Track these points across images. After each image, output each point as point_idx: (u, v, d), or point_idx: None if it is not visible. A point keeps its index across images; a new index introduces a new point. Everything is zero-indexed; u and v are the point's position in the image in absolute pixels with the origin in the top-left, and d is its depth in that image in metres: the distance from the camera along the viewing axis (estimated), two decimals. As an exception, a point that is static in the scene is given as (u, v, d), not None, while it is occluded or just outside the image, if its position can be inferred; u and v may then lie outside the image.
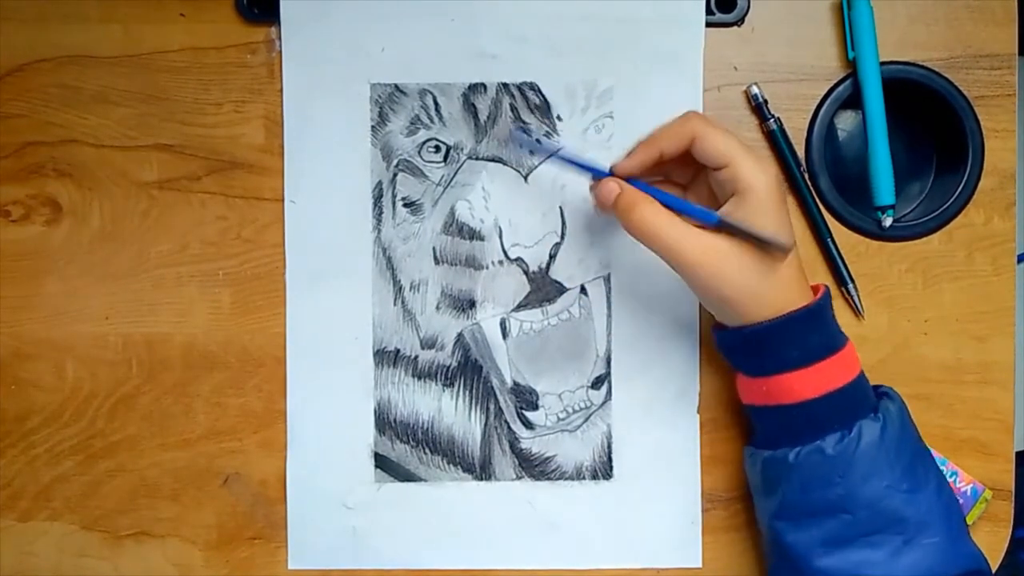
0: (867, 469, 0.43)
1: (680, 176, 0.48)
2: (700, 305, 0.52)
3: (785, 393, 0.44)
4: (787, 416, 0.45)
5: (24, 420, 0.53)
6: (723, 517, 0.53)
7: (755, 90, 0.51)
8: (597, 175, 0.47)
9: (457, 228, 0.52)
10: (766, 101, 0.51)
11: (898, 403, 0.46)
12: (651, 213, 0.44)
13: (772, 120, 0.51)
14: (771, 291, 0.43)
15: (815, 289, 0.46)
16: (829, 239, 0.51)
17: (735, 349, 0.47)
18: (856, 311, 0.52)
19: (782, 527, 0.45)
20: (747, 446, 0.49)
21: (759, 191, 0.43)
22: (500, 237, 0.52)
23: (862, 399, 0.45)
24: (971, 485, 0.51)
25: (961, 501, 0.50)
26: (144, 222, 0.52)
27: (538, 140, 0.50)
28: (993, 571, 0.52)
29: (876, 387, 0.47)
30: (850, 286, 0.51)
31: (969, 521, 0.51)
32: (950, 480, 0.50)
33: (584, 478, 0.52)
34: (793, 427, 0.45)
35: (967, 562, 0.44)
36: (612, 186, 0.45)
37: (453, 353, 0.52)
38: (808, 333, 0.44)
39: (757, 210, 0.43)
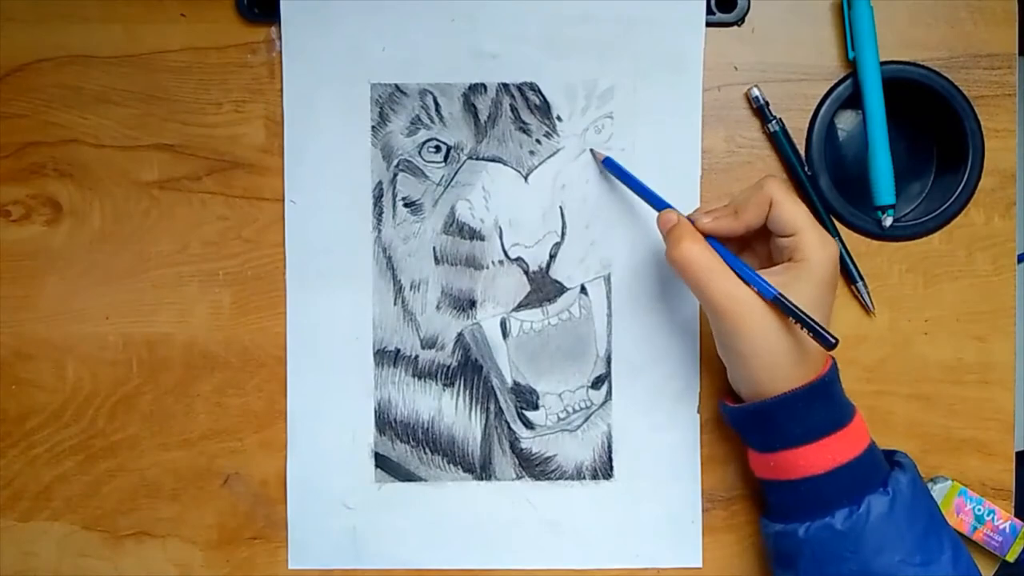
0: (878, 543, 0.43)
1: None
2: (700, 306, 0.52)
3: (792, 469, 0.44)
4: (795, 491, 0.45)
5: (24, 420, 0.53)
6: (723, 517, 0.53)
7: (756, 92, 0.51)
8: (659, 206, 0.47)
9: (457, 228, 0.52)
10: (767, 103, 0.51)
11: (910, 473, 0.46)
12: (695, 250, 0.44)
13: (774, 121, 0.51)
14: (786, 360, 0.44)
15: (826, 362, 0.46)
16: (836, 238, 0.51)
17: (743, 424, 0.47)
18: (866, 308, 0.52)
19: None
20: (762, 517, 0.49)
21: (814, 264, 0.43)
22: (500, 237, 0.52)
23: (872, 472, 0.45)
24: (1009, 522, 0.51)
25: (1000, 539, 0.50)
26: (144, 222, 0.52)
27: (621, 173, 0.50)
28: (992, 572, 0.52)
29: (890, 454, 0.48)
30: (859, 284, 0.51)
31: (1010, 558, 0.51)
32: (988, 518, 0.50)
33: (584, 478, 0.52)
34: (802, 502, 0.45)
35: None
36: (672, 216, 0.46)
37: (453, 353, 0.52)
38: (812, 409, 0.44)
39: (807, 281, 0.43)
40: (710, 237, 0.45)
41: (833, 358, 0.46)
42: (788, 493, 0.45)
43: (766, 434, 0.45)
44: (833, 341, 0.42)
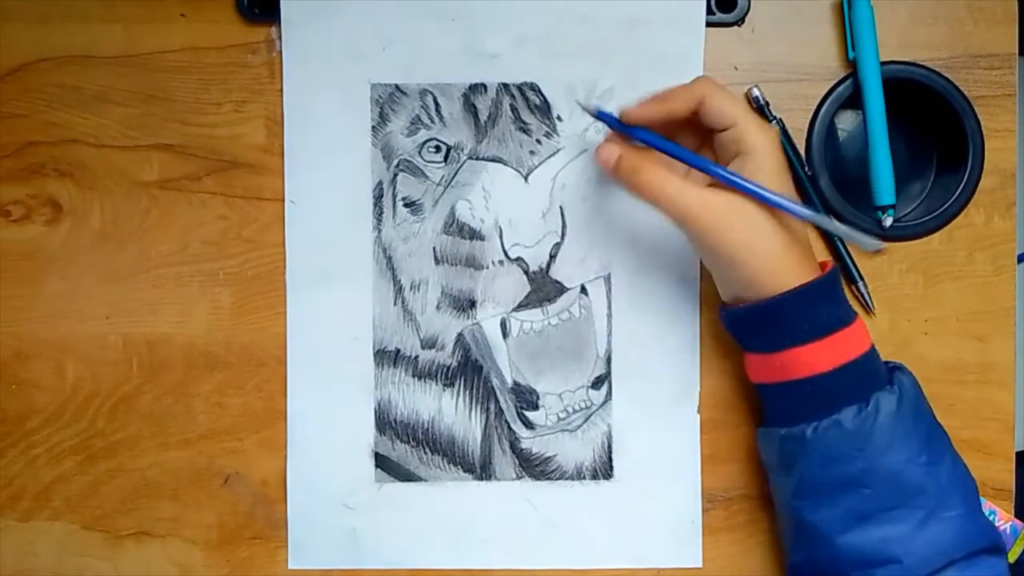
0: (886, 442, 0.43)
1: (688, 143, 0.47)
2: (700, 305, 0.52)
3: (798, 367, 0.44)
4: (801, 391, 0.44)
5: (25, 420, 0.53)
6: (723, 517, 0.53)
7: (756, 92, 0.51)
8: (616, 127, 0.46)
9: (457, 228, 0.52)
10: (767, 103, 0.51)
11: (911, 376, 0.46)
12: (654, 173, 0.44)
13: (774, 121, 0.51)
14: (785, 256, 0.43)
15: (822, 266, 0.45)
16: (837, 238, 0.51)
17: (744, 326, 0.46)
18: (867, 308, 0.52)
19: (802, 505, 0.45)
20: (760, 427, 0.48)
21: (763, 151, 0.43)
22: (500, 237, 0.52)
23: (876, 372, 0.45)
24: (1010, 523, 0.51)
25: None
26: (144, 222, 0.52)
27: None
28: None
29: (886, 362, 0.47)
30: (860, 284, 0.51)
31: (1011, 559, 0.51)
32: (989, 519, 0.50)
33: (584, 478, 0.52)
34: (808, 402, 0.44)
35: (987, 536, 0.44)
36: (612, 149, 0.45)
37: (453, 353, 0.52)
38: (821, 306, 0.43)
39: (761, 169, 0.43)
40: (685, 151, 0.45)
41: (833, 262, 0.45)
42: (793, 394, 0.45)
43: (773, 332, 0.44)
44: (882, 244, 0.41)
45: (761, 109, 0.51)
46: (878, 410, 0.43)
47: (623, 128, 0.47)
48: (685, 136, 0.47)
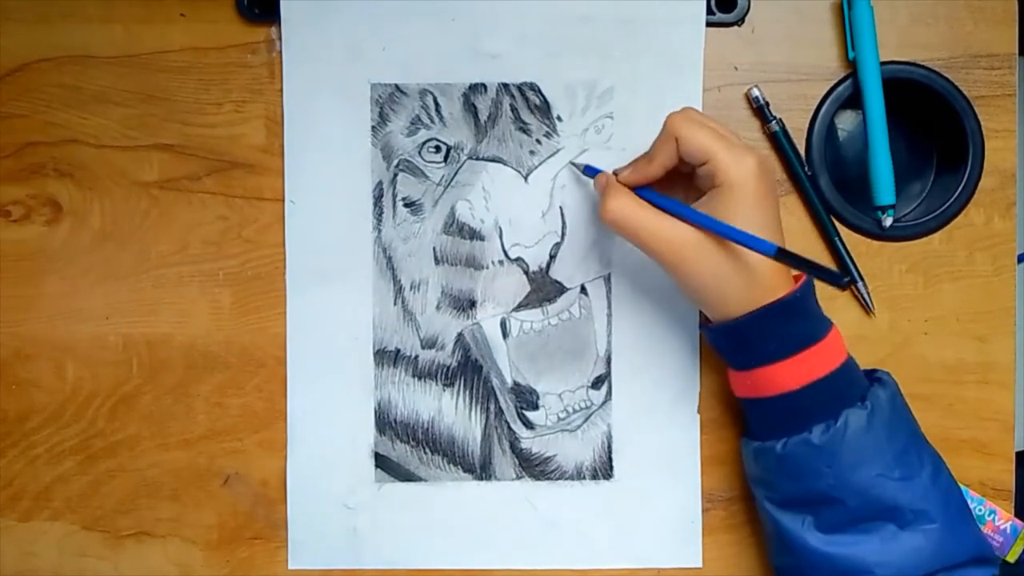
0: (855, 458, 0.43)
1: (685, 167, 0.46)
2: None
3: (769, 385, 0.44)
4: (773, 407, 0.45)
5: (25, 420, 0.53)
6: (723, 517, 0.53)
7: (756, 92, 0.51)
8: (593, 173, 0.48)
9: (457, 228, 0.52)
10: (767, 103, 0.51)
11: (891, 389, 0.46)
12: (621, 203, 0.44)
13: (774, 122, 0.51)
14: (748, 284, 0.43)
15: (796, 279, 0.45)
16: (837, 238, 0.51)
17: (719, 344, 0.47)
18: (867, 308, 0.52)
19: (778, 513, 0.46)
20: (742, 436, 0.49)
21: (735, 185, 0.43)
22: (500, 237, 0.52)
23: (849, 387, 0.45)
24: (1010, 523, 0.51)
25: (1000, 539, 0.50)
26: (144, 222, 0.52)
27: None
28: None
29: (871, 372, 0.47)
30: (860, 284, 0.51)
31: (1011, 559, 0.51)
32: (988, 519, 0.50)
33: (584, 478, 0.52)
34: (780, 418, 0.45)
35: (970, 548, 0.44)
36: (602, 178, 0.47)
37: (453, 353, 0.52)
38: (785, 325, 0.44)
39: (733, 205, 0.43)
40: (653, 193, 0.45)
41: (808, 275, 0.44)
42: (766, 410, 0.45)
43: (742, 352, 0.45)
44: (844, 280, 0.40)
45: (761, 109, 0.51)
46: (847, 427, 0.43)
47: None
48: (684, 164, 0.46)
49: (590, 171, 0.50)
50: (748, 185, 0.43)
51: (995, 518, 0.50)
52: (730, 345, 0.46)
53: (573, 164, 0.51)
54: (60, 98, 0.52)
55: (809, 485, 0.44)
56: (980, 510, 0.50)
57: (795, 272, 0.45)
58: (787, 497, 0.46)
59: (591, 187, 0.51)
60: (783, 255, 0.41)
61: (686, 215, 0.44)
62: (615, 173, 0.47)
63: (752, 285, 0.43)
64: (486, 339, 0.52)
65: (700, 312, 0.47)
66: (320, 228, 0.52)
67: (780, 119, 0.51)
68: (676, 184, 0.47)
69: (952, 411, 0.52)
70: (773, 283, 0.44)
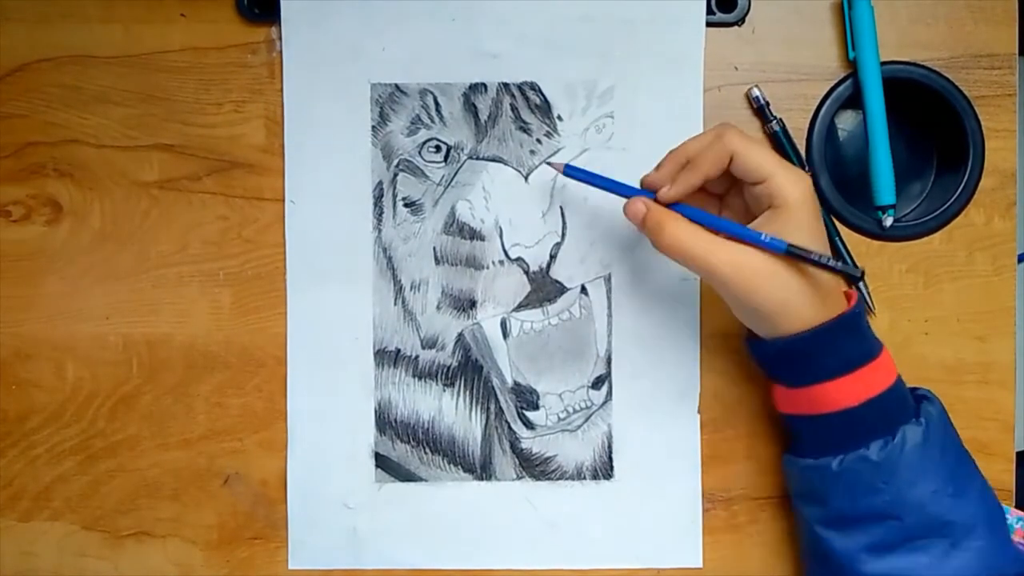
0: (913, 474, 0.43)
1: (716, 186, 0.47)
2: (700, 305, 0.52)
3: (826, 402, 0.44)
4: (829, 425, 0.44)
5: (25, 420, 0.53)
6: (723, 517, 0.53)
7: (756, 92, 0.51)
8: (627, 194, 0.47)
9: (458, 228, 0.52)
10: (768, 103, 0.51)
11: (938, 406, 0.46)
12: (680, 230, 0.44)
13: (774, 122, 0.51)
14: (804, 302, 0.43)
15: (847, 296, 0.45)
16: (837, 238, 0.51)
17: (772, 361, 0.47)
18: (868, 309, 0.52)
19: (829, 535, 0.45)
20: (786, 454, 0.49)
21: (793, 206, 0.43)
22: (501, 237, 0.52)
23: (902, 404, 0.45)
24: (1018, 516, 0.50)
25: None
26: (144, 222, 0.52)
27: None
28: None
29: (913, 390, 0.47)
30: (859, 284, 0.51)
31: None
32: (1017, 526, 0.50)
33: (584, 478, 0.52)
34: (836, 435, 0.44)
35: (1014, 565, 0.44)
36: (639, 206, 0.45)
37: (454, 353, 0.52)
38: (845, 341, 0.44)
39: (790, 224, 0.43)
40: (690, 209, 0.45)
41: (858, 291, 0.45)
42: (821, 427, 0.45)
43: (799, 369, 0.45)
44: (859, 272, 0.41)
45: (761, 109, 0.51)
46: (904, 443, 0.43)
47: (603, 183, 0.47)
48: (717, 179, 0.46)
49: (570, 171, 0.48)
50: (807, 206, 0.43)
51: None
52: (785, 362, 0.46)
53: (549, 163, 0.51)
54: (60, 98, 0.52)
55: (865, 502, 0.44)
56: (1008, 518, 0.50)
57: (845, 289, 0.46)
58: (840, 516, 0.45)
59: (589, 187, 0.51)
60: (794, 251, 0.42)
61: (742, 234, 0.43)
62: (647, 190, 0.46)
63: (815, 304, 0.43)
64: (486, 339, 0.52)
65: (746, 329, 0.47)
66: (320, 228, 0.52)
67: (780, 119, 0.51)
68: (700, 204, 0.47)
69: (952, 411, 0.52)
70: (834, 300, 0.44)
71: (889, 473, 0.43)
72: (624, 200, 0.47)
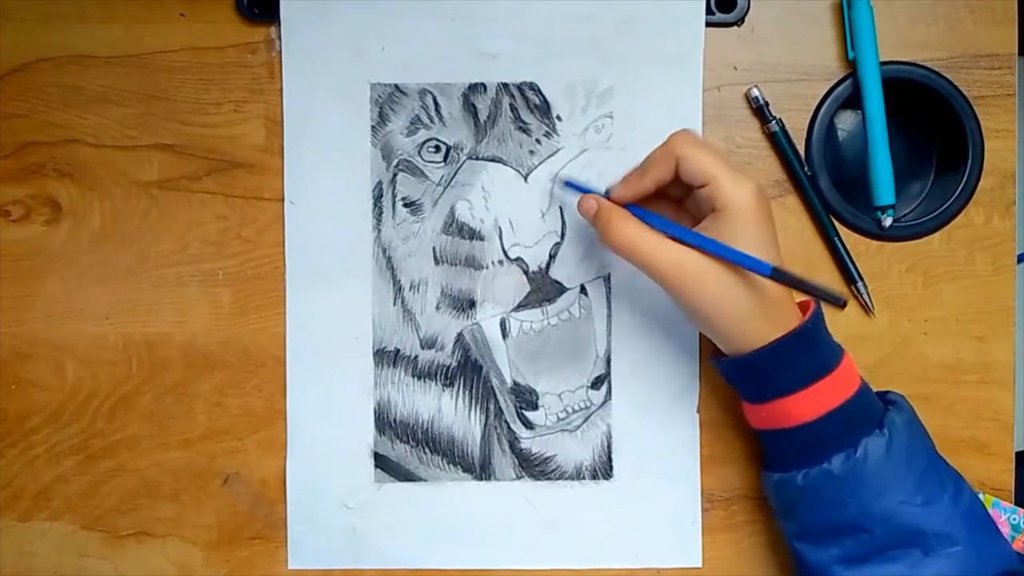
0: (877, 486, 0.43)
1: (675, 191, 0.47)
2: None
3: (785, 417, 0.44)
4: (791, 439, 0.44)
5: (24, 420, 0.53)
6: (723, 517, 0.53)
7: (755, 92, 0.51)
8: (587, 193, 0.47)
9: (457, 228, 0.52)
10: (767, 103, 0.51)
11: (906, 413, 0.45)
12: (626, 228, 0.44)
13: (774, 121, 0.51)
14: (756, 313, 0.43)
15: (803, 307, 0.45)
16: (836, 238, 0.51)
17: (731, 377, 0.47)
18: (866, 309, 0.52)
19: (802, 547, 0.46)
20: (762, 469, 0.49)
21: (735, 210, 0.43)
22: (500, 237, 0.52)
23: (865, 414, 0.45)
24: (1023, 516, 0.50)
25: None
26: (144, 222, 0.52)
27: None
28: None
29: (884, 394, 0.47)
30: (859, 284, 0.51)
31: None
32: (1003, 542, 0.49)
33: (584, 478, 0.52)
34: (798, 449, 0.44)
35: (997, 564, 0.44)
36: (591, 203, 0.46)
37: (453, 353, 0.52)
38: (799, 356, 0.43)
39: (734, 229, 0.43)
40: (646, 212, 0.45)
41: (817, 303, 0.45)
42: (784, 442, 0.45)
43: (757, 385, 0.45)
44: (842, 300, 0.41)
45: (761, 109, 0.51)
46: (867, 455, 0.43)
47: (590, 190, 0.48)
48: (675, 184, 0.46)
49: (571, 186, 0.50)
50: (748, 209, 0.43)
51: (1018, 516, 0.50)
52: (744, 378, 0.46)
53: (554, 179, 0.51)
54: (60, 98, 0.52)
55: (832, 516, 0.44)
56: (1015, 519, 0.50)
57: (800, 299, 0.45)
58: (811, 529, 0.45)
59: (592, 186, 0.51)
60: (779, 275, 0.41)
61: (687, 238, 0.43)
62: (606, 194, 0.47)
63: (761, 315, 0.43)
64: (486, 339, 0.52)
65: (712, 343, 0.47)
66: (320, 228, 0.52)
67: (780, 119, 0.51)
68: (660, 208, 0.47)
69: (952, 411, 0.52)
70: (782, 312, 0.43)
71: (853, 486, 0.43)
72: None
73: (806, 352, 0.44)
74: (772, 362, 0.43)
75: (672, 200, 0.48)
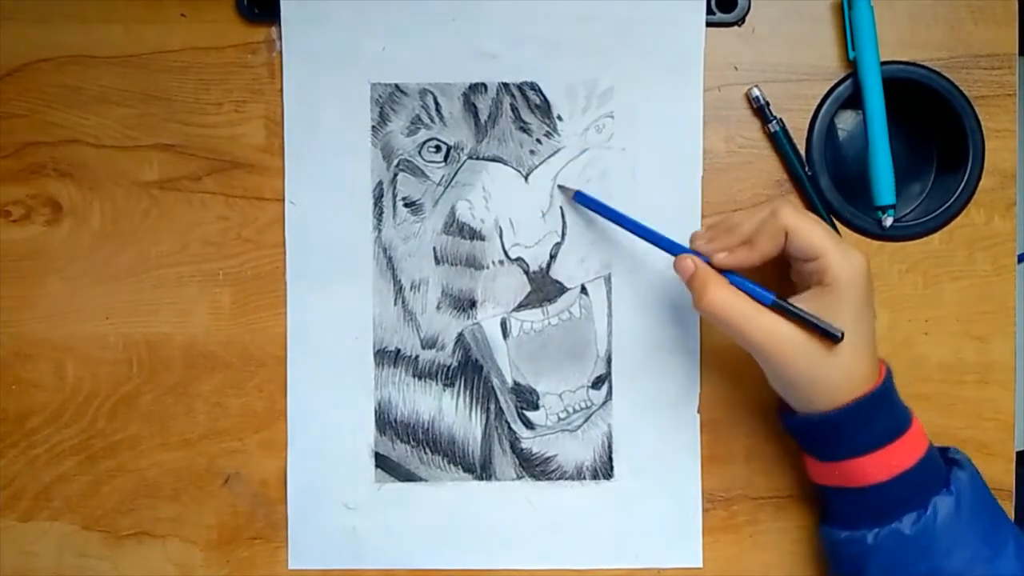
0: (947, 544, 0.43)
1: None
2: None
3: (858, 477, 0.44)
4: (862, 498, 0.45)
5: (24, 420, 0.53)
6: (723, 517, 0.53)
7: (756, 92, 0.51)
8: (673, 251, 0.47)
9: (458, 228, 0.52)
10: (768, 103, 0.51)
11: (969, 469, 0.46)
12: (721, 295, 0.44)
13: (774, 122, 0.51)
14: (833, 377, 0.43)
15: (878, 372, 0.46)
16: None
17: (804, 434, 0.47)
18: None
19: None
20: (822, 524, 0.49)
21: (844, 285, 0.43)
22: (501, 237, 0.52)
23: (934, 474, 0.45)
24: None
25: None
26: (144, 222, 0.52)
27: (610, 211, 0.50)
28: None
29: (944, 450, 0.48)
30: None
31: None
32: None
33: (584, 478, 0.52)
34: (869, 509, 0.45)
35: None
36: (688, 264, 0.46)
37: (454, 353, 0.52)
38: (875, 418, 0.44)
39: (838, 303, 0.43)
40: (734, 275, 0.45)
41: (887, 364, 0.46)
42: (854, 500, 0.45)
43: (830, 444, 0.45)
44: (839, 335, 0.42)
45: (761, 109, 0.51)
46: (936, 515, 0.43)
47: (604, 211, 0.49)
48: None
49: (580, 198, 0.50)
50: (858, 285, 0.43)
51: None
52: (816, 436, 0.46)
53: (561, 187, 0.51)
54: (60, 98, 0.52)
55: (902, 574, 0.44)
56: None
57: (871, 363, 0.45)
58: None
59: (589, 187, 0.51)
60: (780, 305, 0.42)
61: (751, 290, 0.44)
62: (701, 251, 0.46)
63: (843, 381, 0.43)
64: (486, 339, 0.52)
65: (779, 399, 0.47)
66: (320, 228, 0.52)
67: (780, 119, 0.51)
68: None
69: (952, 411, 0.52)
70: (857, 378, 0.44)
71: (925, 546, 0.43)
72: (624, 229, 0.49)
73: (881, 413, 0.44)
74: (849, 422, 0.44)
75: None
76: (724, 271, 0.45)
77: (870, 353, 0.44)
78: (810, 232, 0.43)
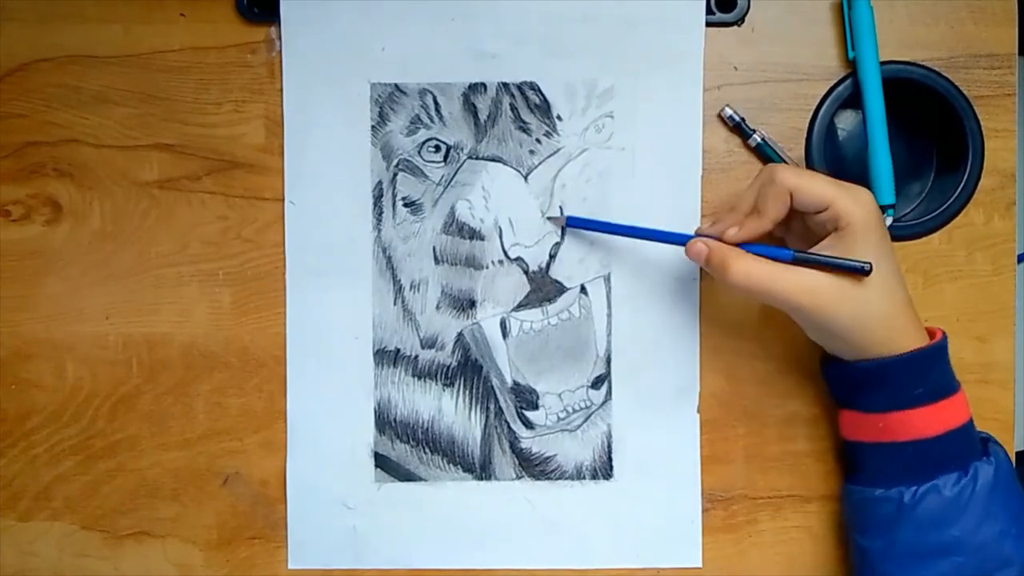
0: (982, 512, 0.43)
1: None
2: (700, 305, 0.52)
3: (905, 430, 0.44)
4: (902, 454, 0.45)
5: (24, 420, 0.53)
6: (723, 517, 0.53)
7: (728, 111, 0.51)
8: (681, 242, 0.47)
9: (457, 228, 0.52)
10: (743, 119, 0.51)
11: (1003, 450, 0.46)
12: (746, 264, 0.44)
13: (754, 136, 0.51)
14: (872, 312, 0.44)
15: (930, 332, 0.46)
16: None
17: (851, 383, 0.47)
18: None
19: (890, 569, 0.45)
20: (849, 485, 0.48)
21: (860, 224, 0.43)
22: (500, 237, 0.52)
23: (974, 441, 0.45)
24: None
25: None
26: (144, 222, 0.52)
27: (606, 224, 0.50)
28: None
29: (977, 432, 0.48)
30: None
31: None
32: None
33: (584, 478, 0.52)
34: (908, 465, 0.45)
35: None
36: (700, 247, 0.46)
37: (453, 353, 0.52)
38: (932, 371, 0.44)
39: (858, 243, 0.43)
40: (763, 247, 0.45)
41: (942, 330, 0.46)
42: (892, 455, 0.45)
43: (882, 394, 0.45)
44: (867, 266, 0.42)
45: (738, 126, 0.51)
46: (976, 479, 0.43)
47: (601, 226, 0.49)
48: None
49: (573, 222, 0.50)
50: (872, 220, 0.43)
51: None
52: (867, 385, 0.46)
53: (551, 218, 0.51)
54: (60, 98, 0.52)
55: (934, 537, 0.44)
56: None
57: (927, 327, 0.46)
58: (905, 550, 0.45)
59: (589, 187, 0.51)
60: (802, 257, 0.43)
61: (778, 255, 0.44)
62: (713, 234, 0.46)
63: (883, 318, 0.44)
64: (486, 339, 0.52)
65: (822, 351, 0.47)
66: (320, 228, 0.52)
67: (760, 131, 0.51)
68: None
69: (952, 411, 0.52)
70: (908, 331, 0.44)
71: (961, 509, 0.43)
72: (623, 237, 0.49)
73: (937, 368, 0.44)
74: (906, 371, 0.44)
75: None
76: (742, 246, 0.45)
77: (901, 286, 0.44)
78: (814, 185, 0.44)
